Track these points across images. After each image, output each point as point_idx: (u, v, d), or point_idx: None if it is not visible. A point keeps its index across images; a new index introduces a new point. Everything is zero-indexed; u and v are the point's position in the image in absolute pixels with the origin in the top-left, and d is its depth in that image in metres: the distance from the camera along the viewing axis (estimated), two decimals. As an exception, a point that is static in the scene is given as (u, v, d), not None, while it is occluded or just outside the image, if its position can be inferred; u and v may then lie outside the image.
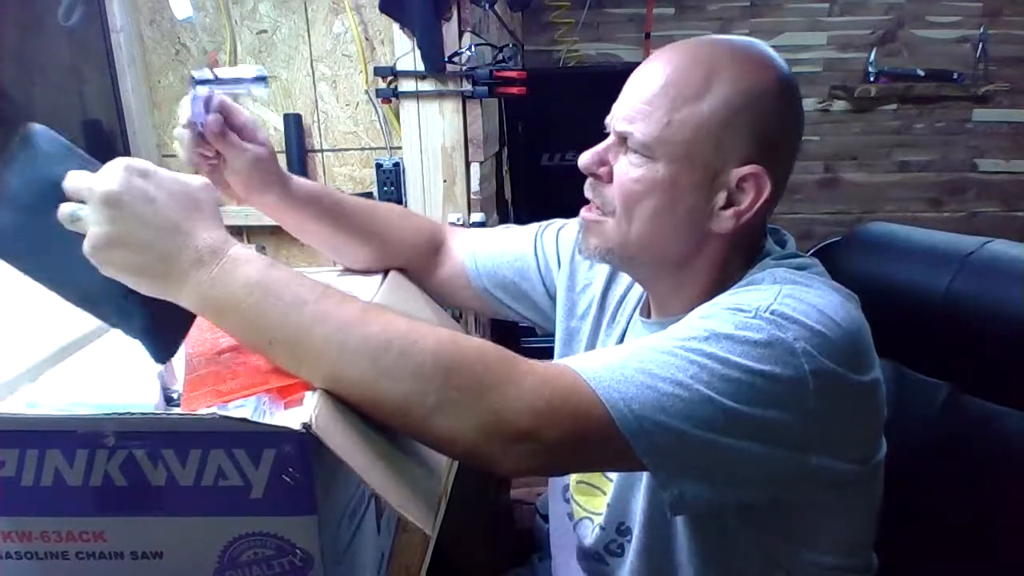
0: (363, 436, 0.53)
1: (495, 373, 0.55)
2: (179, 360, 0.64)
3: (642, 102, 0.67)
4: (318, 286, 0.56)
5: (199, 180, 0.60)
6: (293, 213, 0.83)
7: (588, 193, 0.74)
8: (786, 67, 0.69)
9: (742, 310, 0.60)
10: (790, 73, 0.69)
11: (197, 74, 0.73)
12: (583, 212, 0.75)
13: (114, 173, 0.54)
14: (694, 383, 0.56)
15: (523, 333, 1.86)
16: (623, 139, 0.69)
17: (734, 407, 0.56)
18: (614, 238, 0.71)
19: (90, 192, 0.53)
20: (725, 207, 0.67)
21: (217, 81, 0.74)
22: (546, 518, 1.01)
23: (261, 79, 0.75)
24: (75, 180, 0.54)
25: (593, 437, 0.56)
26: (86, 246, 0.53)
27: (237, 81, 0.75)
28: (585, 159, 0.71)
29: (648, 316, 0.79)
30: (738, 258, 0.71)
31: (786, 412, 0.57)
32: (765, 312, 0.59)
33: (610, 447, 0.56)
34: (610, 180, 0.70)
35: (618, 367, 0.58)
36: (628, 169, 0.68)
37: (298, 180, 0.83)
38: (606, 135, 0.72)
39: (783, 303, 0.60)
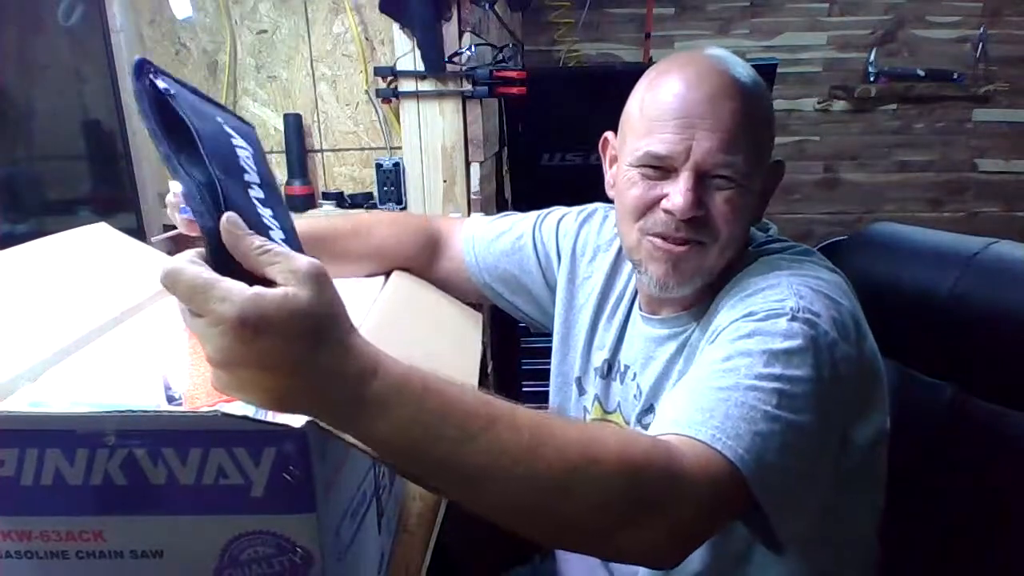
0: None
1: (665, 485, 0.52)
2: (181, 360, 0.64)
3: (726, 131, 0.68)
4: (480, 414, 0.47)
5: (305, 291, 0.43)
6: None
7: (687, 234, 0.71)
8: None
9: (777, 314, 0.63)
10: None
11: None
12: (671, 247, 0.72)
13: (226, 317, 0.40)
14: (781, 412, 0.58)
15: (523, 333, 1.85)
16: (705, 173, 0.69)
17: (810, 423, 0.59)
18: (716, 260, 0.73)
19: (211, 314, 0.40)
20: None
21: None
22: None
23: None
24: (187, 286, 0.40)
25: (728, 506, 0.56)
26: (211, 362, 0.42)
27: None
28: (686, 207, 0.69)
29: (652, 314, 0.81)
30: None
31: (840, 402, 0.63)
32: (800, 313, 0.63)
33: (736, 508, 0.57)
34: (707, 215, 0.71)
35: (723, 416, 0.56)
36: (728, 200, 0.70)
37: None
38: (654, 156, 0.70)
39: (803, 297, 0.65)
